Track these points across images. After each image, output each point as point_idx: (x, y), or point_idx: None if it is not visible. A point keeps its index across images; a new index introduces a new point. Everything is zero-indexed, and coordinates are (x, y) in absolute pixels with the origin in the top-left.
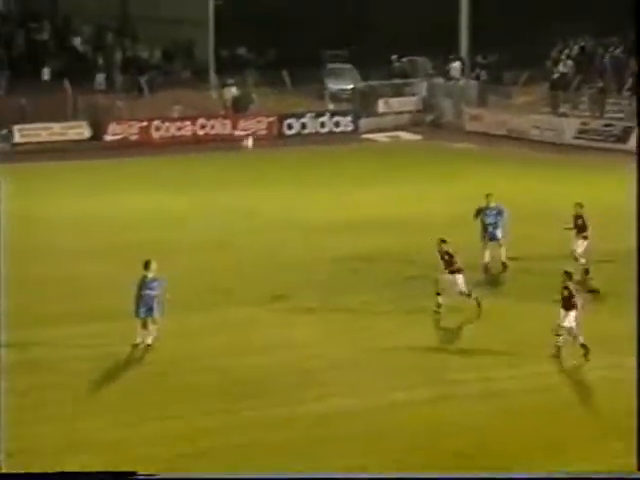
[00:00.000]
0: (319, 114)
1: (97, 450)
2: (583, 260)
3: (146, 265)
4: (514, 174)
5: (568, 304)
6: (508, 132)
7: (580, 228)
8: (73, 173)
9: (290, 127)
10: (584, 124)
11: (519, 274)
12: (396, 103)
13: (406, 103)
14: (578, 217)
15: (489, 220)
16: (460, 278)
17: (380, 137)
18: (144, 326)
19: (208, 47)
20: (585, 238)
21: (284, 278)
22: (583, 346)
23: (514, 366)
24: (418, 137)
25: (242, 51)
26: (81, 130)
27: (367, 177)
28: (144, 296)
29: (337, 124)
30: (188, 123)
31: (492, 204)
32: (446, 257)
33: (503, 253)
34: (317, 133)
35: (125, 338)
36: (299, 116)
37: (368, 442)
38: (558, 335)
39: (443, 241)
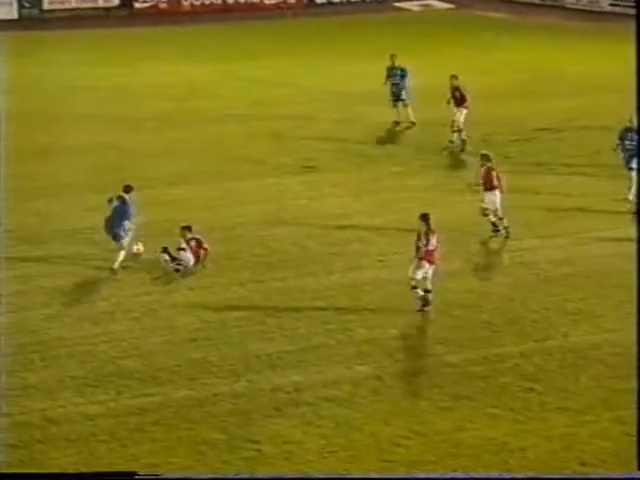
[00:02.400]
0: None
1: (132, 317)
2: (463, 133)
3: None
4: (541, 44)
5: (489, 185)
6: (542, 0)
7: (458, 100)
8: (102, 42)
9: None
10: None
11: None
12: None
13: None
14: (455, 89)
15: (394, 80)
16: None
17: (412, 5)
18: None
19: None
20: (466, 108)
21: (316, 147)
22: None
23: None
24: (450, 5)
25: None
26: None
27: (396, 48)
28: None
29: None
30: None
31: (397, 64)
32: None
33: (410, 113)
34: (348, 1)
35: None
36: None
37: (396, 313)
38: (486, 215)
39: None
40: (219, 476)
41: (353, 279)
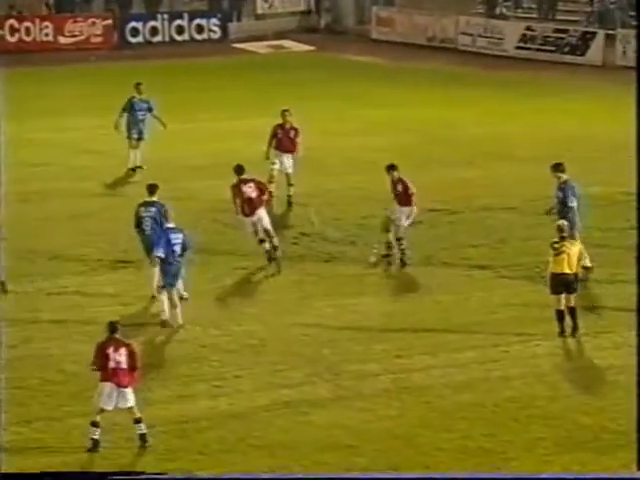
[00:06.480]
0: (175, 15)
1: None
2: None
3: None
4: (429, 97)
5: None
6: (428, 41)
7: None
8: None
9: (135, 33)
10: (529, 29)
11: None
12: (279, 1)
13: (293, 1)
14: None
15: (139, 116)
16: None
17: (258, 47)
18: None
19: None
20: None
21: (133, 236)
22: None
23: None
24: (308, 47)
25: None
26: None
27: (239, 103)
28: None
29: (199, 29)
30: None
31: (143, 96)
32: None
33: (138, 156)
34: (173, 41)
35: None
36: (147, 18)
37: (237, 458)
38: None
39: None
40: (219, 476)
41: (181, 412)
